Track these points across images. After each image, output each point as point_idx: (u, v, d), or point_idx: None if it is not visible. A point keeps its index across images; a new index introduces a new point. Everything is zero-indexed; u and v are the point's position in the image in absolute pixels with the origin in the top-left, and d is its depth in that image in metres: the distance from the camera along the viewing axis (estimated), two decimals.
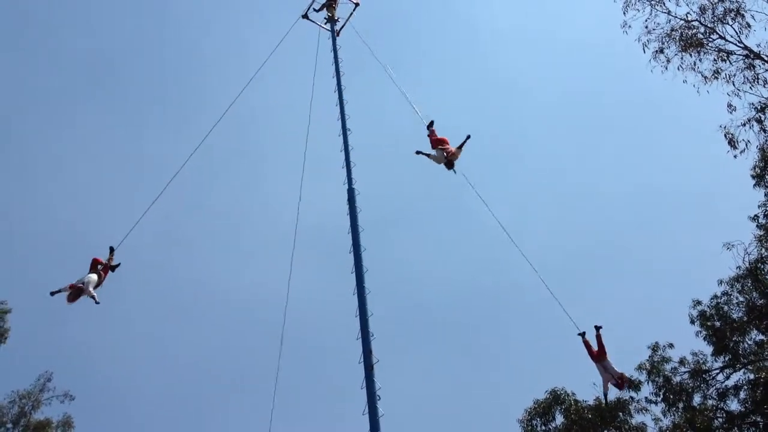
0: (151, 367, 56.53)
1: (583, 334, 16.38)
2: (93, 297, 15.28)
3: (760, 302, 28.28)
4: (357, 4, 22.54)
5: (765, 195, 28.77)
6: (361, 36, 22.11)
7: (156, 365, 57.34)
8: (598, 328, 16.38)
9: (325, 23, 22.22)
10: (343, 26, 22.05)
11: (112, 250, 16.33)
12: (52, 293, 14.89)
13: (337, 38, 21.38)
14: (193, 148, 13.83)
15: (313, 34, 22.22)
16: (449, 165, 16.16)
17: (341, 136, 18.24)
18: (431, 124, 17.31)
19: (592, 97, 73.46)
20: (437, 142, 16.67)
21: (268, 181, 69.56)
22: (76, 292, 15.02)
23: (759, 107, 27.13)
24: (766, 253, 28.48)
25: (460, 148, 16.20)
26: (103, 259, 16.13)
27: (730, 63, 27.99)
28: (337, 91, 19.46)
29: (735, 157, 27.39)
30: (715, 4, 28.43)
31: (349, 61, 21.01)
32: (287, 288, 17.56)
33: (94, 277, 15.55)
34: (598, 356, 16.29)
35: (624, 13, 30.16)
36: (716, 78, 28.07)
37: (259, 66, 21.58)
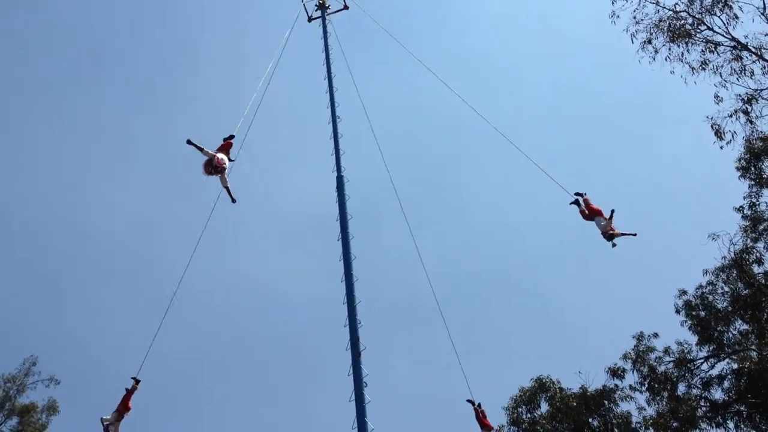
0: (137, 352, 56.36)
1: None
2: (228, 190, 14.66)
3: (744, 292, 28.48)
4: (346, 7, 22.72)
5: (749, 186, 28.98)
6: (343, 33, 22.18)
7: (142, 351, 57.18)
8: None
9: (316, 9, 22.24)
10: (326, 15, 22.04)
11: (232, 137, 15.44)
12: (189, 142, 13.91)
13: (328, 28, 21.46)
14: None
15: (303, 28, 22.30)
16: (608, 238, 16.57)
17: (330, 123, 18.31)
18: (584, 194, 17.55)
19: (583, 89, 73.52)
20: (594, 212, 16.99)
21: (255, 170, 69.58)
22: (218, 168, 14.19)
23: (746, 98, 27.17)
24: (751, 244, 28.70)
25: (622, 234, 16.59)
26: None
27: (718, 54, 27.99)
28: (327, 79, 19.49)
29: (721, 148, 27.45)
30: None
31: (338, 49, 21.02)
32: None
33: (227, 161, 14.70)
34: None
35: (612, 3, 30.13)
36: (704, 69, 28.05)
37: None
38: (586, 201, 17.35)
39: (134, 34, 76.04)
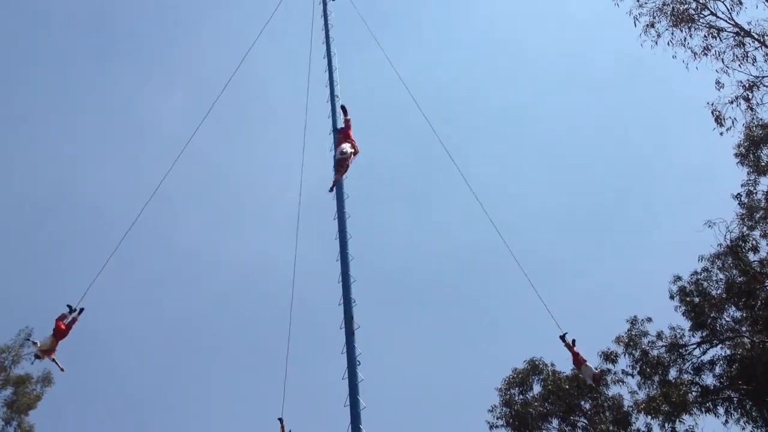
0: (134, 326, 56.69)
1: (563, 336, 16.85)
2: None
3: (739, 280, 28.51)
4: None
5: (748, 174, 28.95)
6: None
7: (139, 325, 57.49)
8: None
9: None
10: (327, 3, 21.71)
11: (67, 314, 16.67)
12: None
13: (333, 6, 21.16)
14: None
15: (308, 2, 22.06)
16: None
17: (329, 102, 18.18)
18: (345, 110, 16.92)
19: (584, 72, 73.15)
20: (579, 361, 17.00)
21: (259, 149, 69.77)
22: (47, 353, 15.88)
23: (747, 85, 27.10)
24: (747, 232, 28.68)
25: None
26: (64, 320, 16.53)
27: (720, 40, 27.87)
28: (326, 58, 19.35)
29: (721, 134, 27.42)
30: None
31: (344, 29, 20.88)
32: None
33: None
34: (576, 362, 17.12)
35: None
36: (706, 54, 27.94)
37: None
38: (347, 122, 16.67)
39: (141, 8, 75.72)
